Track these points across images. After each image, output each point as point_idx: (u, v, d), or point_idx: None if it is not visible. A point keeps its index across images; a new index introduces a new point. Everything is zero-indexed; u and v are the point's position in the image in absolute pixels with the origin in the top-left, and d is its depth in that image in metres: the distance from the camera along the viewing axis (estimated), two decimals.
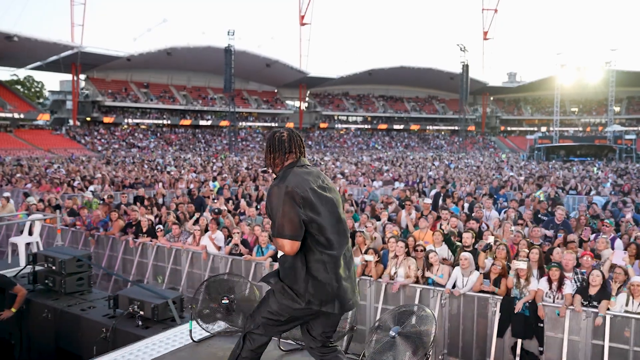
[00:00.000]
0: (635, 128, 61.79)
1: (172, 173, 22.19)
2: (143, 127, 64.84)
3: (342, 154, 55.33)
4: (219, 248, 8.79)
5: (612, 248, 8.06)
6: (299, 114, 76.34)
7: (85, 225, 10.77)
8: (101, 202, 12.60)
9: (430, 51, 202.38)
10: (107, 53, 57.59)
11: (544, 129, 73.52)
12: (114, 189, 16.47)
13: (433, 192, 14.76)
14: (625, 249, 7.59)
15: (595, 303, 6.14)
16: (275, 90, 77.11)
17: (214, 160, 36.10)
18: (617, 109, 62.23)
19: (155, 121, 65.13)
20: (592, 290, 6.27)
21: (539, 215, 11.13)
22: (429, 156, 45.60)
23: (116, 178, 18.96)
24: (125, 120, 62.77)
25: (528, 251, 7.13)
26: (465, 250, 7.43)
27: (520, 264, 6.55)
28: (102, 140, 57.15)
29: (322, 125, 77.45)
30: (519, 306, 6.39)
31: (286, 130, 2.96)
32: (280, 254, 3.12)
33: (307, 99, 78.98)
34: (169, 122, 65.60)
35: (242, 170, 23.56)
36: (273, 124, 74.29)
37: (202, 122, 67.83)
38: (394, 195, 13.88)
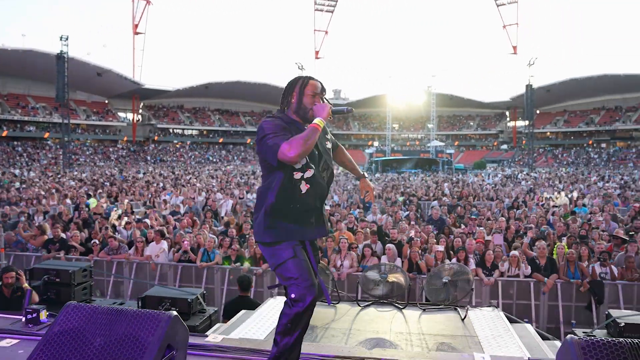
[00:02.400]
0: (447, 143, 71.95)
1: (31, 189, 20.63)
2: None
3: (179, 168, 54.54)
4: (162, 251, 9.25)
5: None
6: (132, 127, 73.21)
7: None
8: None
9: (266, 67, 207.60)
10: None
11: (371, 143, 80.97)
12: None
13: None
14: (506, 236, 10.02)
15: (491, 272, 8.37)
16: (106, 101, 72.96)
17: (50, 175, 33.40)
18: (430, 125, 71.61)
19: None
20: (488, 264, 8.49)
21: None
22: None
23: None
24: None
25: (436, 240, 9.29)
26: (393, 243, 9.17)
27: (439, 247, 8.61)
28: None
29: (157, 138, 75.28)
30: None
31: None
32: None
33: (140, 111, 76.09)
34: None
35: (107, 186, 22.75)
36: (104, 136, 70.20)
37: (21, 134, 61.30)
38: None
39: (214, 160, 72.45)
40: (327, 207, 14.96)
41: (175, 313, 2.70)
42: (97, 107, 71.46)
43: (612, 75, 67.86)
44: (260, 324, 4.06)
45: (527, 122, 69.49)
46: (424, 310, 4.56)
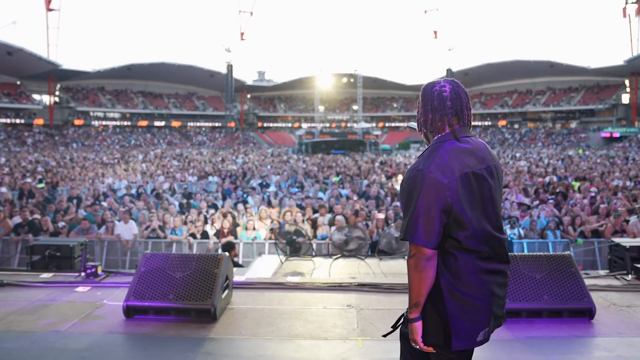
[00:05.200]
0: (372, 124, 74.81)
1: None
2: None
3: (103, 152, 53.24)
4: (135, 236, 10.15)
5: None
6: (49, 110, 70.05)
7: None
8: None
9: (190, 49, 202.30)
10: None
11: (297, 124, 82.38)
12: None
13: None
14: None
15: None
16: (18, 82, 69.19)
17: None
18: (355, 107, 74.15)
19: None
20: None
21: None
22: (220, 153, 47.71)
23: None
24: None
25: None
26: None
27: (380, 215, 10.15)
28: None
29: (77, 122, 72.54)
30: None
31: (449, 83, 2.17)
32: None
33: (57, 93, 72.83)
34: None
35: (42, 172, 22.62)
36: (18, 121, 66.85)
37: None
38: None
39: (139, 144, 70.94)
40: (272, 188, 16.25)
41: (228, 255, 3.90)
42: (9, 89, 67.65)
43: (522, 61, 73.19)
44: (262, 270, 5.30)
45: None
46: (381, 259, 5.97)
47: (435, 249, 1.95)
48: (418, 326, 1.99)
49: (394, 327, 2.16)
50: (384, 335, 2.28)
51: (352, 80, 72.86)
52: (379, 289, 4.20)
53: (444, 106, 2.09)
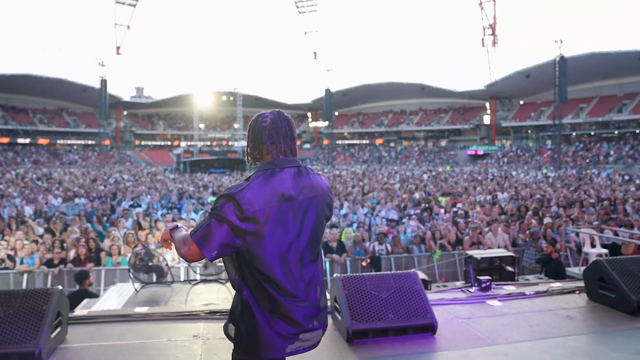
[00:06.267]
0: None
1: None
2: None
3: None
4: None
5: None
6: None
7: None
8: None
9: (61, 62, 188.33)
10: None
11: (177, 143, 79.94)
12: None
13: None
14: None
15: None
16: None
17: None
18: (237, 125, 73.83)
19: None
20: None
21: None
22: (78, 173, 44.60)
23: None
24: None
25: None
26: None
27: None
28: None
29: None
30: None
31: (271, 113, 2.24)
32: None
33: None
34: None
35: None
36: None
37: None
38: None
39: None
40: (141, 209, 15.49)
41: (60, 288, 3.56)
42: None
43: (397, 83, 77.75)
44: (112, 301, 4.92)
45: (327, 123, 75.68)
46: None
47: (211, 259, 2.07)
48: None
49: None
50: None
51: (232, 98, 72.59)
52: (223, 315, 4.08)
53: (261, 136, 2.15)
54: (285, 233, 2.05)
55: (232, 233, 1.99)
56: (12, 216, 14.31)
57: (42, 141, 74.65)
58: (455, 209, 14.51)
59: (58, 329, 3.49)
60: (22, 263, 9.24)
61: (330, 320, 4.07)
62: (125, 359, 3.25)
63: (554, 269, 8.34)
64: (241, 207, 1.99)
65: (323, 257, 2.14)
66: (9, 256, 9.27)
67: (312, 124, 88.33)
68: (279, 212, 2.03)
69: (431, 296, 4.53)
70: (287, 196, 2.06)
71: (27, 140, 73.72)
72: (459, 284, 6.99)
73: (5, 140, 71.30)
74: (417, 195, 19.47)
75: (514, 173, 38.84)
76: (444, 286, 7.11)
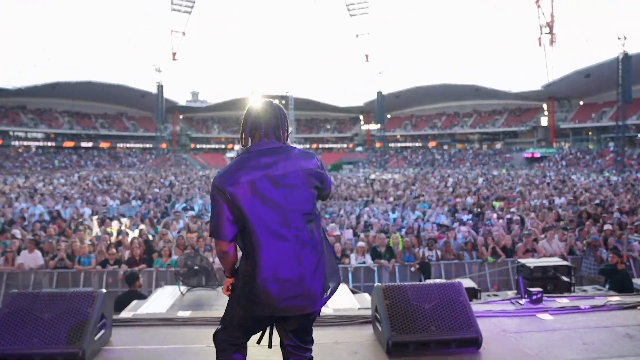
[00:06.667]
0: (305, 146, 75.46)
1: None
2: None
3: (25, 175, 50.42)
4: (40, 266, 9.48)
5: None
6: None
7: None
8: None
9: (120, 68, 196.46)
10: None
11: (231, 146, 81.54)
12: None
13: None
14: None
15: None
16: None
17: None
18: (290, 128, 74.41)
19: None
20: (338, 254, 10.03)
21: None
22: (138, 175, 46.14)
23: None
24: None
25: None
26: None
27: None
28: None
29: None
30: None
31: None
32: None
33: None
34: None
35: None
36: None
37: None
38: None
39: (64, 165, 67.78)
40: (194, 212, 15.77)
41: (104, 291, 3.62)
42: None
43: (450, 85, 76.37)
44: (158, 304, 5.00)
45: (378, 126, 75.24)
46: None
47: (231, 241, 2.37)
48: (228, 281, 2.54)
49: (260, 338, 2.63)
50: (258, 342, 2.64)
51: (284, 102, 73.28)
52: None
53: (245, 124, 2.50)
54: (264, 203, 2.29)
55: (229, 211, 2.31)
56: (72, 217, 14.97)
57: (103, 145, 77.92)
58: (509, 215, 14.02)
59: (102, 331, 3.56)
60: (79, 263, 9.60)
61: (370, 330, 3.97)
62: None
63: (619, 280, 7.80)
64: (219, 189, 2.31)
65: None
66: (68, 256, 9.65)
67: (364, 127, 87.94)
68: (252, 187, 2.29)
69: (477, 307, 4.34)
70: (263, 172, 2.32)
71: (90, 144, 77.11)
72: (510, 293, 6.70)
73: (70, 144, 74.88)
74: (469, 199, 18.99)
75: (573, 177, 37.24)
76: (495, 295, 6.84)
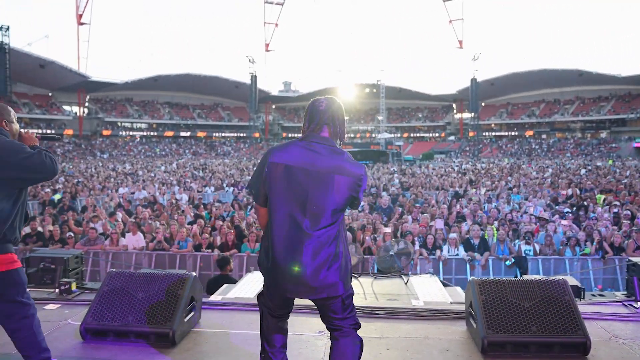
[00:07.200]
0: (396, 135, 74.60)
1: None
2: None
3: (129, 162, 53.85)
4: (142, 248, 10.04)
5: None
6: (78, 120, 71.63)
7: None
8: None
9: (215, 60, 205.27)
10: None
11: None
12: None
13: None
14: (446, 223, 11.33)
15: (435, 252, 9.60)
16: (50, 94, 71.00)
17: None
18: (380, 117, 73.79)
19: None
20: (429, 245, 9.72)
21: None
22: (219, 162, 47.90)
23: None
24: None
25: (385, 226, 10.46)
26: None
27: (387, 229, 9.90)
28: None
29: (105, 132, 74.04)
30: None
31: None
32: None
33: (87, 104, 74.50)
34: None
35: (63, 181, 22.91)
36: (49, 131, 68.34)
37: None
38: None
39: (164, 153, 71.86)
40: None
41: (194, 275, 3.68)
42: (40, 101, 69.43)
43: (550, 70, 71.87)
44: (246, 289, 5.06)
45: (472, 114, 72.61)
46: (375, 277, 5.66)
47: (263, 205, 2.56)
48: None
49: None
50: None
51: (375, 90, 72.62)
52: (361, 312, 3.93)
53: (306, 113, 2.66)
54: (289, 189, 2.42)
55: (263, 180, 2.51)
56: (170, 202, 15.74)
57: (200, 134, 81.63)
58: (616, 210, 12.91)
59: (192, 313, 3.62)
60: (178, 246, 10.05)
61: (463, 327, 3.74)
62: (250, 348, 3.25)
63: None
64: (266, 158, 2.52)
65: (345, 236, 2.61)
66: (165, 239, 10.13)
67: (457, 115, 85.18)
68: (286, 170, 2.43)
69: (584, 308, 3.96)
70: (296, 162, 2.44)
71: (188, 134, 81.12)
72: (619, 294, 6.11)
73: (170, 133, 79.25)
74: (570, 191, 17.76)
75: None
76: (601, 295, 6.28)
